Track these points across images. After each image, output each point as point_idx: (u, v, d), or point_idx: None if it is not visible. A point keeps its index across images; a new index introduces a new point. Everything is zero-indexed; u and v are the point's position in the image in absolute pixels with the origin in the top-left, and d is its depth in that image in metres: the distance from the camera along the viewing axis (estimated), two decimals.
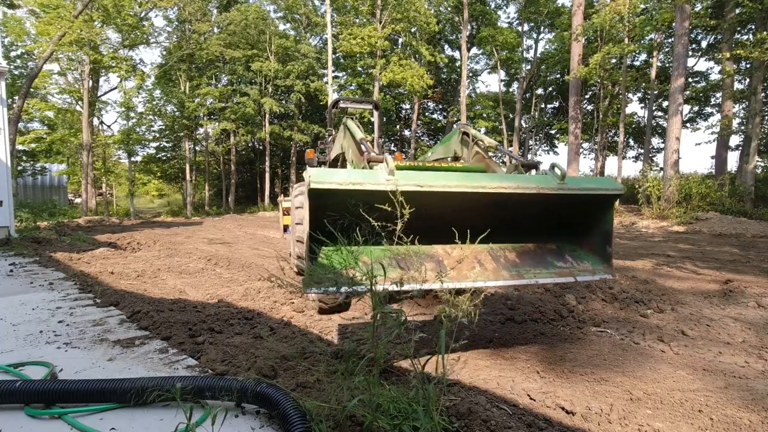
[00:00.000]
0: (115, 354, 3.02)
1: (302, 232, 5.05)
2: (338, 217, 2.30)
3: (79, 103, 24.25)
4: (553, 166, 2.85)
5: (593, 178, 2.74)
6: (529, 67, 30.58)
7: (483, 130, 34.30)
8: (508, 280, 2.85)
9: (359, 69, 27.92)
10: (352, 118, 4.00)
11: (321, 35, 31.68)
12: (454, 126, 4.31)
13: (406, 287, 2.34)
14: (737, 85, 20.78)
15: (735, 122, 20.94)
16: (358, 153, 3.40)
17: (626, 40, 19.76)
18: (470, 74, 33.09)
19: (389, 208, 2.15)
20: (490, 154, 3.89)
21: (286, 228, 7.66)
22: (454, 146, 4.25)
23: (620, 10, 17.94)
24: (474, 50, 32.67)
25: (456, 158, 4.28)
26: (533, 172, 3.33)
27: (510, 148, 30.15)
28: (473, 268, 2.81)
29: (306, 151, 6.48)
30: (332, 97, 24.39)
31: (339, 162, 5.38)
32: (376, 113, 6.54)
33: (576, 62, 21.02)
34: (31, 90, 20.14)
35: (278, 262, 7.42)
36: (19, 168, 24.06)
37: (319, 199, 2.36)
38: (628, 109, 25.89)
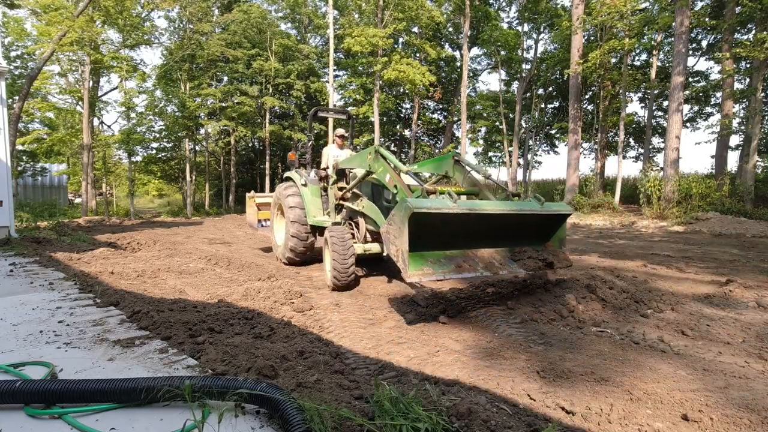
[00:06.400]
0: (115, 354, 3.02)
1: (298, 228, 6.71)
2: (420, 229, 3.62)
3: (80, 103, 24.23)
4: (535, 196, 4.37)
5: (556, 203, 4.60)
6: (529, 66, 30.55)
7: (483, 129, 34.34)
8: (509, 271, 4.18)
9: (360, 69, 27.92)
10: (386, 148, 5.52)
11: (323, 35, 31.67)
12: (449, 152, 5.59)
13: (464, 275, 3.83)
14: (737, 85, 20.76)
15: (735, 122, 20.92)
16: (401, 180, 4.33)
17: (626, 39, 19.75)
18: (471, 74, 33.05)
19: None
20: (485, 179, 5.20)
21: (260, 222, 8.77)
22: (446, 167, 5.33)
23: (620, 7, 17.93)
24: (475, 50, 32.65)
25: (447, 177, 5.41)
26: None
27: (510, 149, 30.20)
28: (492, 264, 4.10)
29: (288, 154, 7.64)
30: (333, 96, 24.57)
31: (347, 178, 6.36)
32: (350, 122, 8.15)
33: (576, 57, 21.00)
34: (32, 91, 20.12)
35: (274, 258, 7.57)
36: (20, 168, 24.03)
37: (414, 217, 3.51)
38: (628, 109, 25.87)
